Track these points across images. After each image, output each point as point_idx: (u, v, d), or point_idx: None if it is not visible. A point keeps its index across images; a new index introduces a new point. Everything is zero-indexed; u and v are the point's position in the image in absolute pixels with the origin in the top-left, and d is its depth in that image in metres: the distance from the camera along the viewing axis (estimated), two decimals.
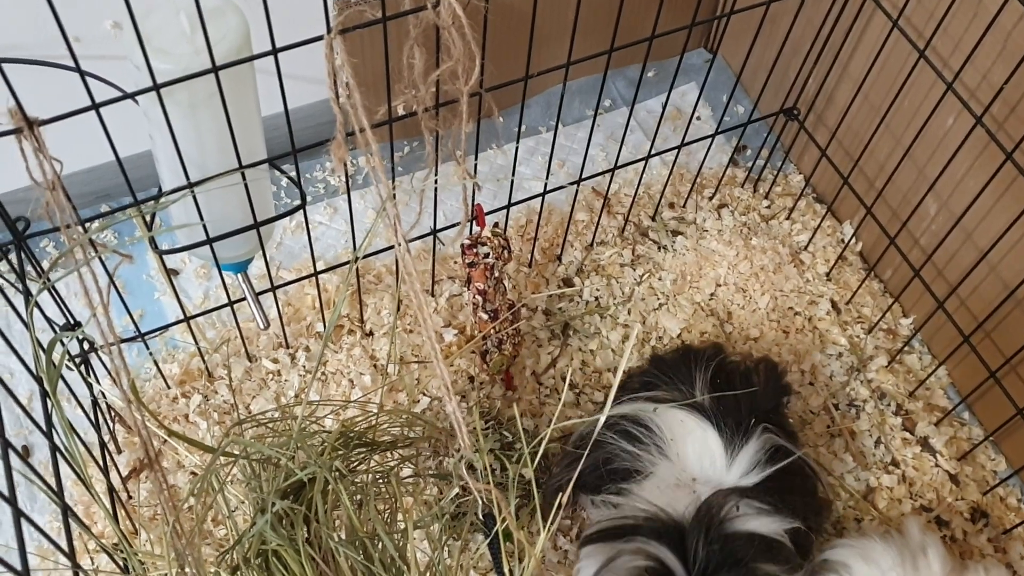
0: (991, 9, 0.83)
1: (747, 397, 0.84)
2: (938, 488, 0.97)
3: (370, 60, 1.08)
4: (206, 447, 0.76)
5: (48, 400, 0.69)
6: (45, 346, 0.66)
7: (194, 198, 0.75)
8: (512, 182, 0.98)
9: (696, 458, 0.80)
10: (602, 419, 0.66)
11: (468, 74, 0.72)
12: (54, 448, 0.68)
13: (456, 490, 0.82)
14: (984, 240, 0.93)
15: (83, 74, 0.63)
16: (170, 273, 1.08)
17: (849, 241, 1.11)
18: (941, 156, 0.95)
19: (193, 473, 0.93)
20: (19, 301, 0.78)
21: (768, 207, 1.17)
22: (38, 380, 0.70)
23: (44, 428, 0.69)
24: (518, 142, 0.93)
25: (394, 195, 0.71)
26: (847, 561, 0.80)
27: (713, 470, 0.79)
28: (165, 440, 0.90)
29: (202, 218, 0.78)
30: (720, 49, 1.28)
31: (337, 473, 0.71)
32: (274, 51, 0.68)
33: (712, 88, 1.27)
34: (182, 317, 0.90)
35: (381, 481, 0.80)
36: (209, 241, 0.80)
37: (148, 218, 0.81)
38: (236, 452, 0.76)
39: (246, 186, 0.76)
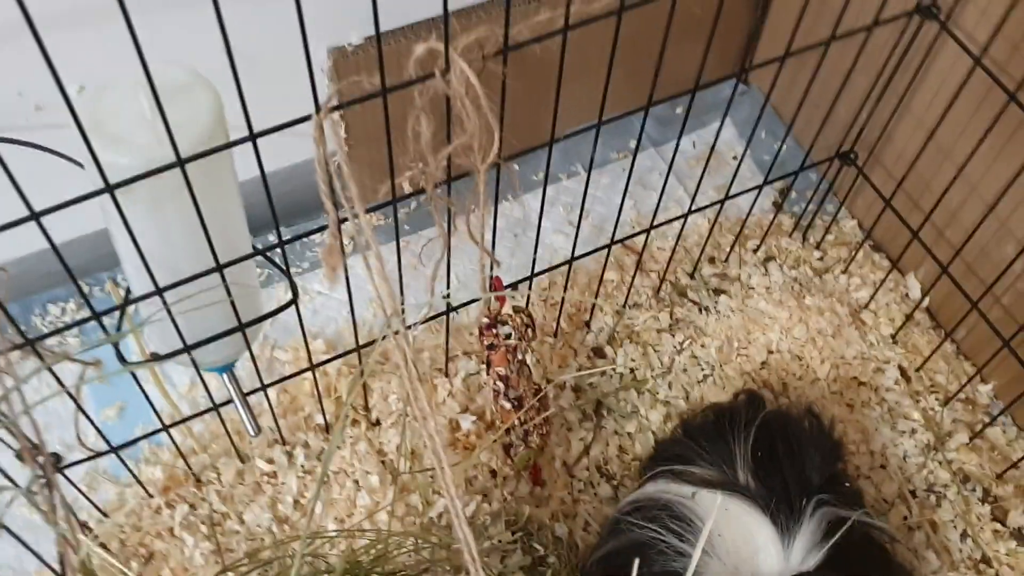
0: None
1: (796, 471, 0.74)
2: None
3: (370, 128, 0.95)
4: None
5: None
6: None
7: (165, 306, 0.63)
8: (536, 246, 0.85)
9: (749, 553, 0.70)
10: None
11: (485, 150, 0.60)
12: None
13: None
14: None
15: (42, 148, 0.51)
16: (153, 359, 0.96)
17: (921, 301, 0.98)
18: None
19: None
20: None
21: (820, 259, 1.04)
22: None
23: None
24: (542, 208, 0.80)
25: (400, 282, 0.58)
26: None
27: (768, 564, 0.68)
28: None
29: (177, 328, 0.66)
30: (752, 79, 1.16)
31: None
32: (252, 137, 0.55)
33: (747, 123, 1.14)
34: (162, 424, 0.78)
35: None
36: (187, 349, 0.68)
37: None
38: None
39: (226, 286, 0.64)
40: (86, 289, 1.00)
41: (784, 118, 1.13)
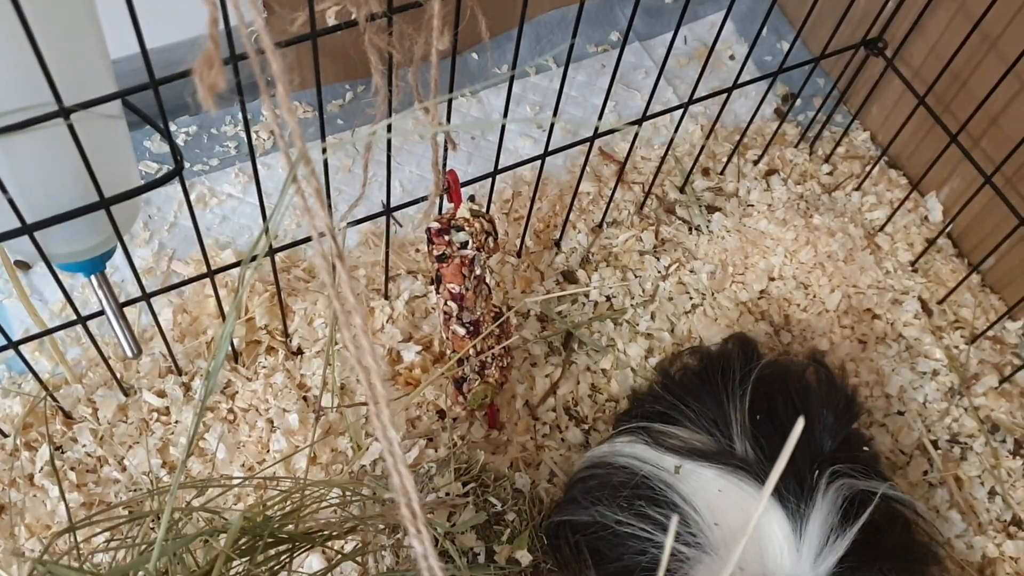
0: None
1: (804, 436, 0.60)
2: None
3: None
4: None
5: None
6: None
7: None
8: (501, 138, 0.69)
9: (753, 546, 0.56)
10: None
11: None
12: None
13: None
14: None
15: None
16: (17, 267, 0.77)
17: (949, 224, 0.84)
18: None
19: None
20: None
21: (830, 174, 0.90)
22: None
23: None
24: (511, 86, 0.63)
25: (321, 156, 0.41)
26: None
27: (779, 558, 0.55)
28: None
29: (6, 192, 0.47)
30: None
31: None
32: None
33: (744, 19, 0.99)
34: (8, 340, 0.60)
35: None
36: (27, 229, 0.50)
37: None
38: None
39: (75, 136, 0.46)
40: None
41: (787, 12, 0.97)
